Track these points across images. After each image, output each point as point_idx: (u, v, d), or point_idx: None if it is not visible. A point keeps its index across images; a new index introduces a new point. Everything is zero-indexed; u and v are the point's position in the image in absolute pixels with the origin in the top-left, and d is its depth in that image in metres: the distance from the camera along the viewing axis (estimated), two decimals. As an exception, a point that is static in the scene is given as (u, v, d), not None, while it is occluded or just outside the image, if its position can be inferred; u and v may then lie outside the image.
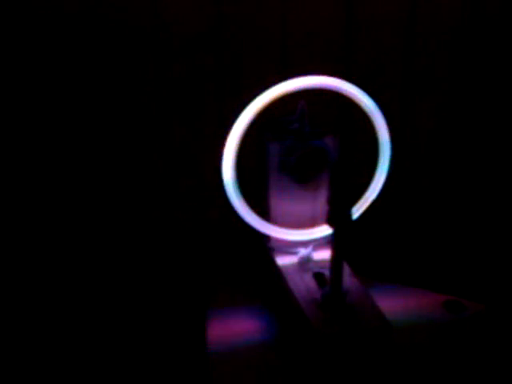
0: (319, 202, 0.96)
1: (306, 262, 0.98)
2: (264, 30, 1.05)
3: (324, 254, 0.97)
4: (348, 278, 0.92)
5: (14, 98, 1.04)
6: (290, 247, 0.99)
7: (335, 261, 0.86)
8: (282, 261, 0.98)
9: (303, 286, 0.92)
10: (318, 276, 0.94)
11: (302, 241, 0.98)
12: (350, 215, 0.82)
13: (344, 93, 0.91)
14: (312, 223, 0.98)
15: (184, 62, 1.05)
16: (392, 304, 0.99)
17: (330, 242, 0.86)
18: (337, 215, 0.82)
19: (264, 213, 0.97)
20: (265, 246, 1.01)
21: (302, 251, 0.98)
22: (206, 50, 1.05)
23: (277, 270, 0.97)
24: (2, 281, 1.10)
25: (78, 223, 1.13)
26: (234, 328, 0.96)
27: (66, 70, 1.03)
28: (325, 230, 0.96)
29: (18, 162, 1.08)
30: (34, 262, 1.13)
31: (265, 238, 1.00)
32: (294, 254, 0.99)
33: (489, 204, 1.24)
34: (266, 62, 1.07)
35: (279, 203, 0.97)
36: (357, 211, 0.96)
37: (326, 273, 0.92)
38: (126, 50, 1.03)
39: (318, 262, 0.97)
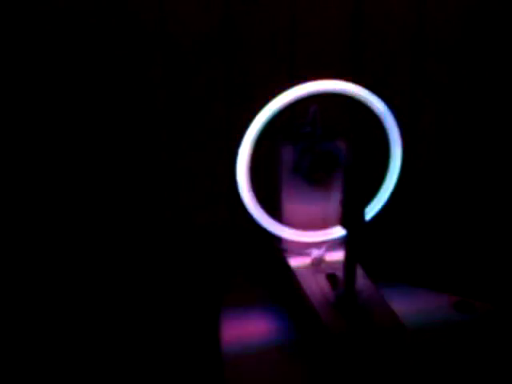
0: (332, 203, 0.96)
1: (318, 263, 0.98)
2: (273, 33, 1.06)
3: (337, 255, 0.98)
4: (361, 279, 0.92)
5: (17, 97, 1.05)
6: (302, 248, 0.99)
7: (348, 262, 0.86)
8: (295, 262, 0.99)
9: (316, 287, 0.93)
10: (331, 277, 0.95)
11: (314, 242, 0.99)
12: (363, 217, 0.83)
13: (355, 96, 0.92)
14: (325, 224, 0.98)
15: (193, 66, 1.06)
16: (403, 305, 0.99)
17: (343, 243, 0.87)
18: (350, 217, 0.83)
19: (277, 214, 0.98)
20: (278, 248, 1.02)
21: (315, 252, 0.99)
22: (215, 53, 1.06)
23: (290, 272, 0.98)
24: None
25: (85, 226, 1.14)
26: (248, 329, 0.97)
27: (74, 73, 1.04)
28: (338, 231, 0.97)
29: (19, 162, 1.09)
30: (37, 262, 1.14)
31: (278, 240, 1.00)
32: (307, 255, 0.99)
33: (499, 205, 1.24)
34: (276, 65, 1.08)
35: (292, 205, 0.98)
36: (369, 213, 0.97)
37: (339, 274, 0.92)
38: (134, 52, 1.04)
39: (330, 263, 0.98)
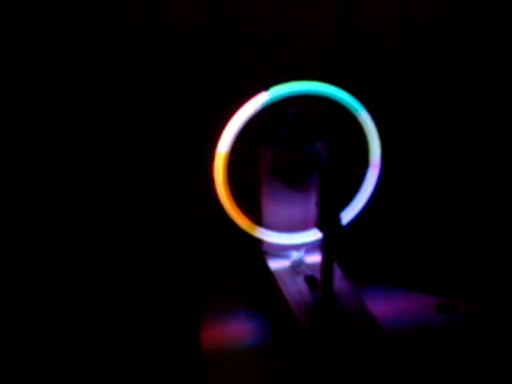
0: (311, 205, 0.96)
1: (298, 265, 0.98)
2: (260, 34, 1.06)
3: (316, 258, 0.98)
4: (339, 281, 0.92)
5: (15, 96, 1.05)
6: (282, 251, 0.99)
7: (326, 264, 0.86)
8: (275, 264, 0.99)
9: (295, 289, 0.93)
10: (309, 279, 0.94)
11: (294, 244, 0.98)
12: (339, 219, 0.83)
13: (335, 99, 0.91)
14: (304, 227, 0.98)
15: (181, 64, 1.06)
16: (384, 306, 0.99)
17: (320, 245, 0.87)
18: (326, 219, 0.83)
19: (256, 216, 0.98)
20: (257, 250, 1.01)
21: (295, 254, 0.99)
22: (203, 53, 1.06)
23: (269, 274, 0.98)
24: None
25: (73, 224, 1.14)
26: (228, 331, 0.97)
27: (65, 72, 1.04)
28: (317, 234, 0.96)
29: (16, 161, 1.09)
30: (27, 262, 1.14)
31: (257, 242, 1.00)
32: (287, 257, 0.99)
33: (480, 205, 1.24)
34: (262, 66, 1.08)
35: (271, 207, 0.97)
36: (348, 214, 0.97)
37: (318, 276, 0.92)
38: (125, 50, 1.05)
39: (310, 266, 0.98)
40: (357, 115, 0.92)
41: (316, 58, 1.09)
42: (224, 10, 1.04)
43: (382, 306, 0.98)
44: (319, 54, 1.09)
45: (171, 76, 1.07)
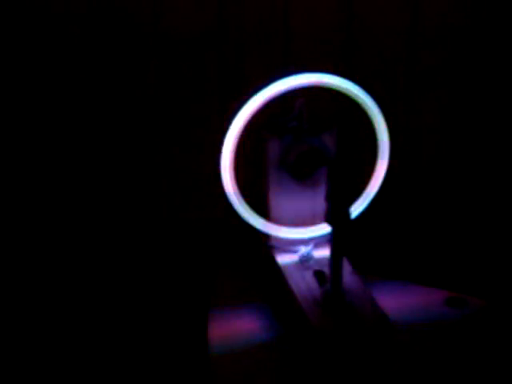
0: (319, 199, 0.95)
1: (306, 260, 0.98)
2: (266, 28, 1.06)
3: (325, 252, 0.97)
4: (348, 276, 0.92)
5: (15, 101, 1.05)
6: (290, 245, 0.99)
7: (334, 259, 0.86)
8: (283, 259, 0.98)
9: (304, 284, 0.92)
10: (318, 274, 0.94)
11: (302, 239, 0.98)
12: (348, 213, 0.82)
13: (343, 91, 0.91)
14: (312, 221, 0.98)
15: (186, 60, 1.06)
16: (394, 301, 0.99)
17: (329, 240, 0.86)
18: (335, 213, 0.82)
19: (264, 211, 0.97)
20: (265, 245, 1.01)
21: (303, 249, 0.98)
22: (209, 49, 1.05)
23: (277, 269, 0.97)
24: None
25: (78, 223, 1.14)
26: (236, 326, 0.96)
27: (67, 71, 1.04)
28: (325, 228, 0.96)
29: (19, 164, 1.09)
30: (34, 263, 1.14)
31: (265, 237, 1.00)
32: (295, 252, 0.99)
33: (491, 200, 1.24)
34: (268, 60, 1.07)
35: (279, 201, 0.97)
36: (357, 208, 0.96)
37: (327, 271, 0.91)
38: (128, 49, 1.04)
39: (318, 260, 0.97)
40: (365, 107, 0.92)
41: (323, 50, 1.09)
42: (228, 8, 1.03)
43: (392, 301, 0.97)
44: (326, 46, 1.09)
45: (175, 74, 1.07)
